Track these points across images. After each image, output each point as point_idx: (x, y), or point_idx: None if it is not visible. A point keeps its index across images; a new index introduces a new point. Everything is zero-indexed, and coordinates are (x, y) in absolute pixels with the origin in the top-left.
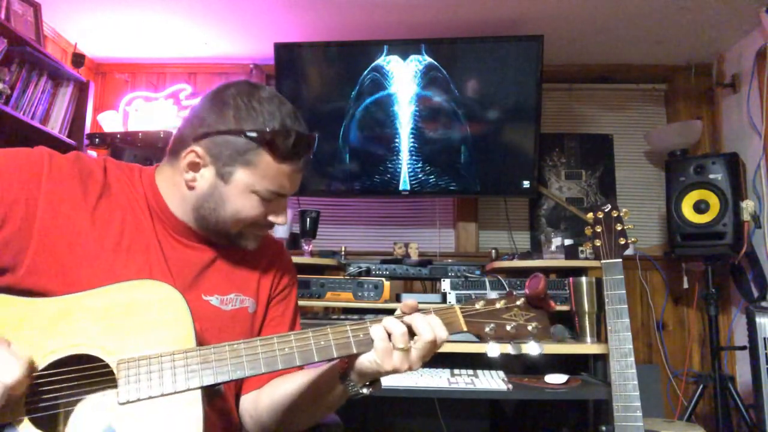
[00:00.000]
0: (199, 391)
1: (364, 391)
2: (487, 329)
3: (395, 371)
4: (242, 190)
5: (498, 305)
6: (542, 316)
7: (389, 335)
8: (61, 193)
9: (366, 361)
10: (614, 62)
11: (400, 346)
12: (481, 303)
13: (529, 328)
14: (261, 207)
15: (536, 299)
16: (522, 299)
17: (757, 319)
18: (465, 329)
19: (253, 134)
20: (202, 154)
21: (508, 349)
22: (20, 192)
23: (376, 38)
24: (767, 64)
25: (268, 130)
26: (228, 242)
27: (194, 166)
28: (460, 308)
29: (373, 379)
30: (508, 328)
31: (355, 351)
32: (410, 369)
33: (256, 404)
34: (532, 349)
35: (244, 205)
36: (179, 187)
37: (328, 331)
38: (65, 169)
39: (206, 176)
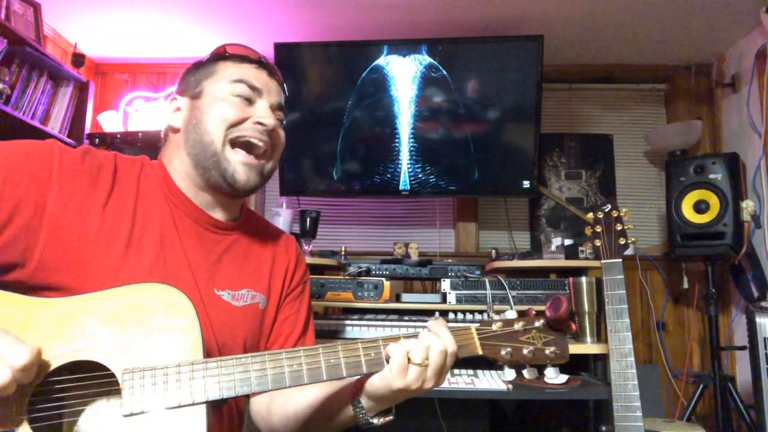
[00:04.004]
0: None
1: (375, 421)
2: (503, 352)
3: (406, 388)
4: (214, 96)
5: (516, 326)
6: (561, 339)
7: (407, 352)
8: (72, 188)
9: (377, 380)
10: (614, 62)
11: (417, 361)
12: (498, 324)
13: (547, 352)
14: (239, 108)
15: (557, 322)
16: (541, 321)
17: (757, 319)
18: (480, 353)
19: (208, 56)
20: (177, 95)
21: (525, 373)
22: (30, 187)
23: (376, 38)
24: (767, 64)
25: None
26: (222, 180)
27: (175, 109)
28: (477, 330)
29: (383, 407)
30: (525, 351)
31: (365, 371)
32: (421, 388)
33: (269, 410)
34: (550, 374)
35: (222, 107)
36: (177, 147)
37: (338, 348)
38: (76, 164)
39: (183, 108)
